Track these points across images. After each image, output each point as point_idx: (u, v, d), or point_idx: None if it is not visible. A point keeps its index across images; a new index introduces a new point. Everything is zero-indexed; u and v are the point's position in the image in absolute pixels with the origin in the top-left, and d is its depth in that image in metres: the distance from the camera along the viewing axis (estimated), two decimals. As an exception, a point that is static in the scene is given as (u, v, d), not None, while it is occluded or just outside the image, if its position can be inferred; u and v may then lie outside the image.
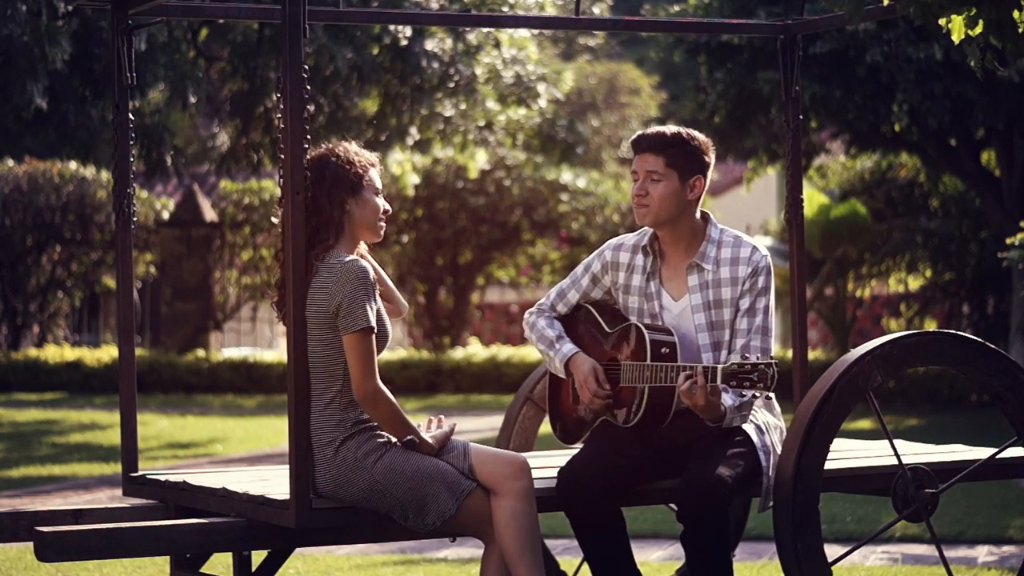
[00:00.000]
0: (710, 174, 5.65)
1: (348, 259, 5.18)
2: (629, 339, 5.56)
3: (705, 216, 5.70)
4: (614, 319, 5.70)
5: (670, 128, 5.64)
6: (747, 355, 5.29)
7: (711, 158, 5.62)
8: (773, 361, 5.16)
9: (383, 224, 5.40)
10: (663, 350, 5.46)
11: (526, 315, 5.89)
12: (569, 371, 5.69)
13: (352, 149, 5.32)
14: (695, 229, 5.66)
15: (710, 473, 5.30)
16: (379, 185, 5.35)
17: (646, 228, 5.72)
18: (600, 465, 5.42)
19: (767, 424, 5.59)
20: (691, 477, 5.33)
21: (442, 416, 5.44)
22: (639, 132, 5.68)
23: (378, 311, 5.20)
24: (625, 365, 5.54)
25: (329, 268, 5.17)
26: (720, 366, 5.21)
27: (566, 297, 5.85)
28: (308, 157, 5.22)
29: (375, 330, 5.14)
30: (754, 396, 5.27)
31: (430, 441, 5.24)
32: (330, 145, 5.32)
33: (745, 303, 5.57)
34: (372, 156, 5.37)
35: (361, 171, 5.29)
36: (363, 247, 5.37)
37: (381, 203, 5.35)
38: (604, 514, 5.44)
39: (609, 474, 5.41)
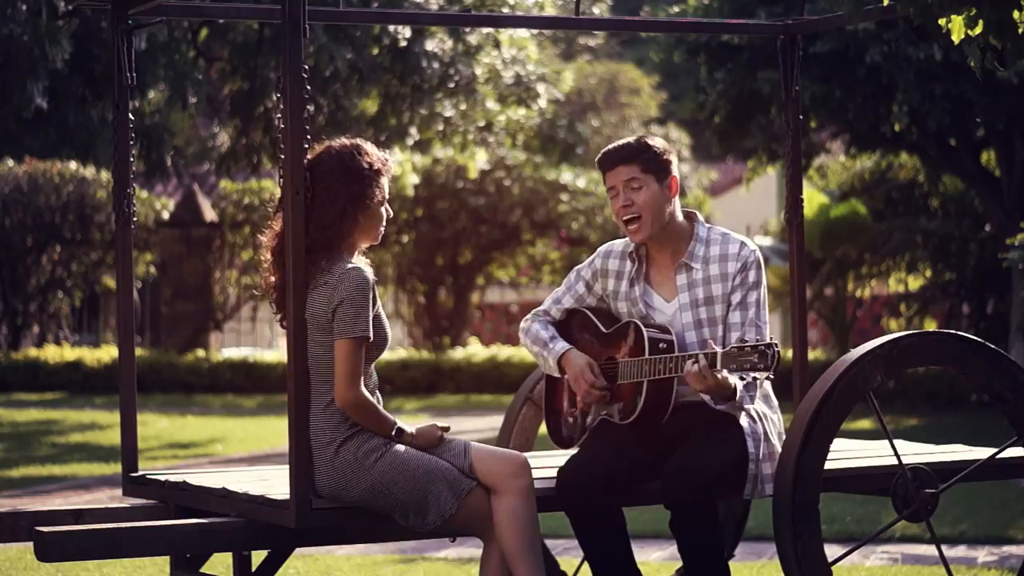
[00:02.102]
0: (677, 171, 5.66)
1: (351, 265, 5.17)
2: (627, 337, 5.57)
3: (691, 216, 5.71)
4: (610, 321, 5.71)
5: (630, 138, 5.68)
6: (745, 339, 5.29)
7: (673, 157, 5.66)
8: (773, 342, 5.15)
9: (383, 229, 5.38)
10: (661, 346, 5.47)
11: (522, 323, 5.88)
12: (563, 369, 5.69)
13: (368, 154, 5.23)
14: (681, 230, 5.66)
15: (694, 458, 5.32)
16: (387, 192, 5.33)
17: None
18: (600, 464, 5.42)
19: (762, 414, 5.59)
20: (675, 463, 5.34)
21: (436, 422, 5.41)
22: (602, 152, 5.69)
23: (377, 314, 5.19)
24: (623, 362, 5.54)
25: (331, 271, 5.15)
26: (720, 350, 5.22)
27: (561, 303, 5.84)
28: (326, 150, 5.18)
29: (369, 340, 5.13)
30: (755, 379, 5.27)
31: (413, 432, 5.23)
32: (348, 144, 5.24)
33: (736, 297, 5.57)
34: (387, 159, 5.31)
35: (377, 190, 5.24)
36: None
37: (386, 211, 5.33)
38: (605, 514, 5.45)
39: (609, 473, 5.41)
